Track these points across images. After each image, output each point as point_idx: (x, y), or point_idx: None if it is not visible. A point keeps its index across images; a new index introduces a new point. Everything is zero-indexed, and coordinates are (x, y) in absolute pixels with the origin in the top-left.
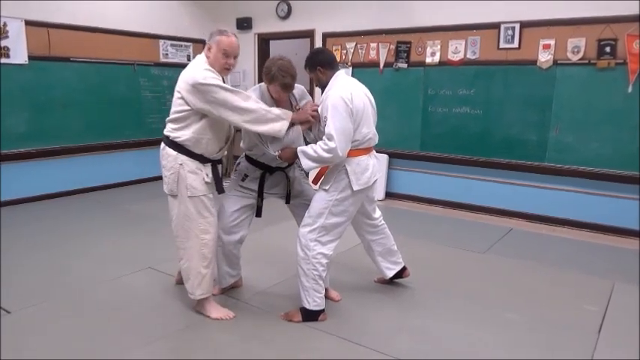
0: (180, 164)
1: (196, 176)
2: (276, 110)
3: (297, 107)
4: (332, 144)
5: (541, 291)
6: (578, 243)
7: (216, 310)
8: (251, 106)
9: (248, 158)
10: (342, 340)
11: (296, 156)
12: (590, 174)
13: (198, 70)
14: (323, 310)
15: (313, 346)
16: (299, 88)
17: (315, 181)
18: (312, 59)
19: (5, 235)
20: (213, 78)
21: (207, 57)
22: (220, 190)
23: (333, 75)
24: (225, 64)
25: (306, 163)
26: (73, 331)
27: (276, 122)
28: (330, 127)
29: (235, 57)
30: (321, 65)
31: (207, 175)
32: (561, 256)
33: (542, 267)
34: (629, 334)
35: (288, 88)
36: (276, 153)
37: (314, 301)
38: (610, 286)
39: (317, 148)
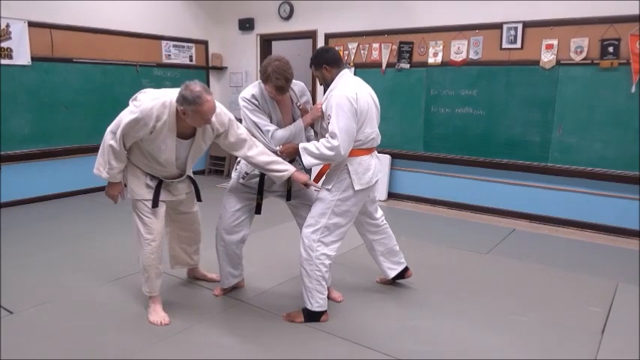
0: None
1: (138, 180)
2: None
3: (298, 104)
4: (335, 142)
5: (544, 292)
6: (581, 243)
7: (154, 314)
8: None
9: None
10: (344, 341)
11: (297, 152)
12: (593, 174)
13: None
14: (325, 310)
15: (315, 346)
16: (299, 85)
17: (316, 180)
18: (318, 57)
19: (9, 235)
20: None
21: (181, 118)
22: (155, 204)
23: (338, 73)
24: (207, 123)
25: (307, 159)
26: (74, 332)
27: None
28: (333, 126)
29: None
30: (327, 63)
31: (150, 179)
32: (564, 256)
33: (545, 267)
34: (633, 334)
35: (281, 90)
36: (278, 149)
37: (316, 302)
38: (613, 287)
39: (319, 146)
